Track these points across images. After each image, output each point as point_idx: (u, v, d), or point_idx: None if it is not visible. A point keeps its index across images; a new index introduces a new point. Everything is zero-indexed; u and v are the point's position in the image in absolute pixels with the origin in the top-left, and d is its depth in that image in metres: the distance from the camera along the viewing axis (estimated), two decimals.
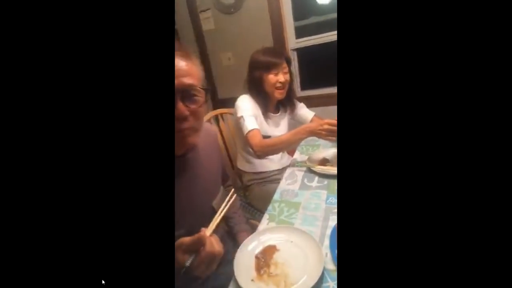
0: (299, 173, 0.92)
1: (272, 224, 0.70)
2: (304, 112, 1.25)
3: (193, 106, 0.50)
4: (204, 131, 0.60)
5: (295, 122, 1.28)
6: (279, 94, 1.09)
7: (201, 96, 0.51)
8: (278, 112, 1.19)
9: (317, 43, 1.68)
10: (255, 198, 1.22)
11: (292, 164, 1.01)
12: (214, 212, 0.62)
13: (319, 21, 1.66)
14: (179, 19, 1.97)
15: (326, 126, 0.86)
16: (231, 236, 0.83)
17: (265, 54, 1.06)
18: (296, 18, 1.66)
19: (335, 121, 0.86)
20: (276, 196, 0.82)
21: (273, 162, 1.22)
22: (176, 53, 0.49)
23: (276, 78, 1.05)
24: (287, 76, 1.08)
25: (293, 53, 1.76)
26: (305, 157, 1.00)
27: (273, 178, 1.22)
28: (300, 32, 1.69)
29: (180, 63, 0.49)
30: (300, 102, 1.29)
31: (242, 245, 0.63)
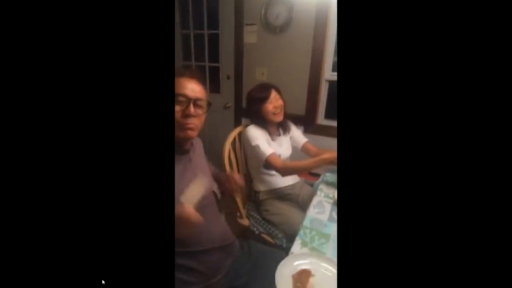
0: (327, 205, 1.01)
1: (305, 250, 0.78)
2: (298, 135, 1.46)
3: (199, 111, 0.75)
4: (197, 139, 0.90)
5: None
6: (277, 118, 1.29)
7: (204, 107, 0.78)
8: (280, 134, 1.38)
9: None
10: (269, 213, 1.30)
11: (312, 185, 1.10)
12: (215, 195, 0.86)
13: None
14: (223, 26, 2.06)
15: None
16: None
17: (257, 90, 1.30)
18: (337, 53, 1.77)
19: None
20: (306, 223, 0.90)
21: (284, 179, 1.34)
22: (194, 78, 0.77)
23: (271, 105, 1.26)
24: (280, 101, 1.29)
25: (326, 83, 1.86)
26: (330, 187, 1.10)
27: (286, 192, 1.35)
28: (337, 67, 1.80)
29: (196, 85, 0.76)
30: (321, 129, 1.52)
31: (281, 263, 0.70)
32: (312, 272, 0.69)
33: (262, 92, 1.27)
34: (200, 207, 0.76)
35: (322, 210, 0.97)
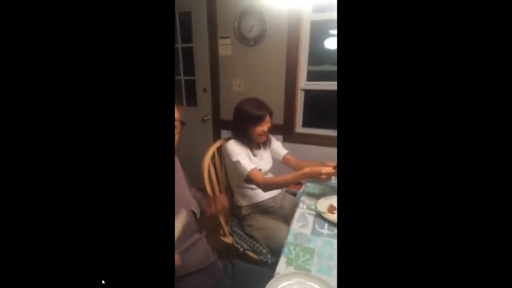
0: (310, 217, 1.00)
1: (291, 269, 0.76)
2: (278, 148, 1.44)
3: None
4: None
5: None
6: (262, 139, 1.29)
7: (178, 127, 0.75)
8: (260, 148, 1.36)
9: (325, 89, 1.83)
10: (253, 228, 1.28)
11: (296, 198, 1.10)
12: (194, 215, 0.83)
13: (331, 70, 1.82)
14: (196, 39, 2.05)
15: (324, 175, 1.04)
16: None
17: (252, 107, 1.22)
18: (310, 62, 1.81)
19: (329, 169, 1.04)
20: (290, 239, 0.88)
21: (266, 192, 1.32)
22: None
23: (261, 128, 1.23)
24: (269, 124, 1.27)
25: (302, 92, 1.89)
26: (312, 198, 1.10)
27: (268, 205, 1.33)
28: (312, 76, 1.84)
29: None
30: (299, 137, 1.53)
31: (268, 285, 0.68)
32: None
33: (258, 110, 1.21)
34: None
35: (306, 223, 0.96)
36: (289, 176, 1.12)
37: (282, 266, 0.76)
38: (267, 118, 1.24)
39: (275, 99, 1.90)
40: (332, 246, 0.84)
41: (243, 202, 1.32)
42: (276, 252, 1.06)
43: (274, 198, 1.35)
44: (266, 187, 1.18)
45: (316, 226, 0.94)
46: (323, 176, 1.03)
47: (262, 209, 1.31)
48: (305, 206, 1.07)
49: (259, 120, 1.21)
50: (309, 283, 0.69)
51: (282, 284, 0.68)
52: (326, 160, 1.16)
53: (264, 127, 1.23)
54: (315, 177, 1.07)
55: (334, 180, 1.24)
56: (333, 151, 2.09)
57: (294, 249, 0.83)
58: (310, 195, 1.17)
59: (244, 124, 1.23)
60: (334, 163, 1.09)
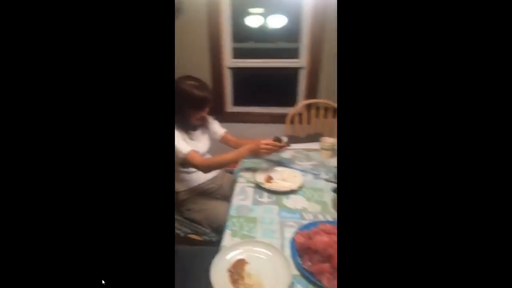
0: (249, 189, 1.02)
1: (237, 239, 0.77)
2: (216, 127, 1.38)
3: None
4: None
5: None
6: (199, 123, 1.22)
7: None
8: (196, 130, 1.27)
9: (252, 66, 1.84)
10: (192, 212, 1.24)
11: (234, 176, 1.11)
12: None
13: (256, 47, 1.84)
14: None
15: (263, 148, 1.06)
16: None
17: (194, 88, 1.08)
18: (235, 39, 1.78)
19: (269, 141, 1.07)
20: (232, 212, 0.89)
21: (204, 174, 1.26)
22: None
23: (202, 113, 1.14)
24: (208, 109, 1.18)
25: (229, 71, 1.86)
26: (249, 173, 1.13)
27: (207, 187, 1.30)
28: (238, 54, 1.82)
29: None
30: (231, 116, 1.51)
31: (213, 261, 0.67)
32: (247, 260, 0.68)
33: (201, 92, 1.08)
34: None
35: (246, 196, 0.98)
36: (230, 154, 1.10)
37: (228, 239, 0.77)
38: (209, 104, 1.13)
39: (201, 77, 1.81)
40: (272, 212, 0.88)
41: (180, 187, 1.25)
42: (219, 230, 1.05)
43: (213, 179, 1.32)
44: (207, 168, 1.13)
45: (256, 196, 0.98)
46: (263, 151, 1.06)
47: (201, 191, 1.27)
48: (244, 181, 1.09)
49: (203, 103, 1.10)
50: (256, 248, 0.71)
51: (231, 255, 0.69)
52: (262, 137, 1.19)
53: (205, 113, 1.15)
54: (255, 153, 1.07)
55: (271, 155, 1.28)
56: (267, 127, 2.14)
57: (238, 220, 0.84)
58: (248, 169, 1.19)
59: (183, 106, 1.10)
60: (273, 138, 1.12)
